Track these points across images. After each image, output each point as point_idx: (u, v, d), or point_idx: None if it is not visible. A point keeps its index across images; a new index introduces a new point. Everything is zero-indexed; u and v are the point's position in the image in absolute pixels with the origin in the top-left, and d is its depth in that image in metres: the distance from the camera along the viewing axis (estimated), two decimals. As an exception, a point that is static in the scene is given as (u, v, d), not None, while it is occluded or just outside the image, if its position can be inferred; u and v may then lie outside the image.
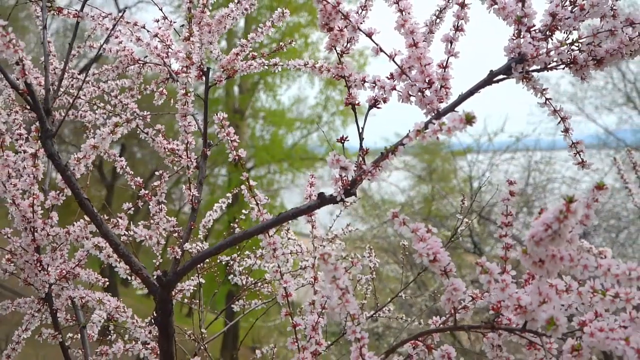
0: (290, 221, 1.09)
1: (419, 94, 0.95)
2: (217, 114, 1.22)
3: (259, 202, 1.17)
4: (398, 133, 9.34)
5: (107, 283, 1.68)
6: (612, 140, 9.90)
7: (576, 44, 0.91)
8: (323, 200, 0.99)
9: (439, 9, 1.08)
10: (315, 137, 12.88)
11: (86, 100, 1.83)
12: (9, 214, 1.36)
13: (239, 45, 1.70)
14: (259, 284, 2.26)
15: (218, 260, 2.25)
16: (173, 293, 1.69)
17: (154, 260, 1.48)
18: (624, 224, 7.32)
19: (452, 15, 0.96)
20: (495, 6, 0.94)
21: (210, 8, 1.62)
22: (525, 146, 8.72)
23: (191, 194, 1.51)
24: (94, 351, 1.56)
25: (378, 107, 1.00)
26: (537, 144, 8.79)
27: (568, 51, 0.90)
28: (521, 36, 0.92)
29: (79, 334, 1.62)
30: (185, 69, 1.34)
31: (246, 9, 1.63)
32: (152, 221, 1.52)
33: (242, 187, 1.22)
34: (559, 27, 0.92)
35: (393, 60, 0.97)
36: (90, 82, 1.80)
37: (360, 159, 0.96)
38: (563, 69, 0.93)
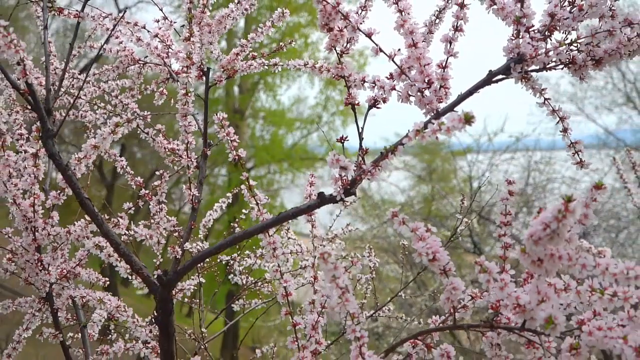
0: (290, 221, 1.09)
1: (419, 94, 0.95)
2: (217, 114, 1.22)
3: (259, 201, 1.17)
4: (398, 133, 9.36)
5: (108, 282, 1.68)
6: (611, 140, 9.91)
7: (575, 44, 0.91)
8: (323, 199, 0.99)
9: (438, 10, 1.08)
10: (315, 137, 12.89)
11: (87, 100, 1.84)
12: (10, 213, 1.36)
13: (239, 45, 1.70)
14: (259, 283, 2.27)
15: (218, 260, 2.25)
16: (173, 292, 1.70)
17: (155, 260, 1.49)
18: (623, 224, 7.31)
19: (451, 16, 0.96)
20: (494, 6, 0.94)
21: (211, 8, 1.62)
22: (525, 146, 8.72)
23: (191, 193, 1.51)
24: (95, 350, 1.56)
25: (378, 107, 1.00)
26: (537, 144, 8.80)
27: (567, 51, 0.91)
28: (520, 36, 0.92)
29: (80, 333, 1.62)
30: (185, 69, 1.34)
31: (246, 9, 1.64)
32: (152, 221, 1.52)
33: (242, 187, 1.22)
34: (558, 28, 0.92)
35: (392, 60, 0.97)
36: (90, 82, 1.81)
37: (360, 158, 0.96)
38: (562, 69, 0.93)
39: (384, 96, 0.99)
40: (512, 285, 0.81)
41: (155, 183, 1.52)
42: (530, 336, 0.84)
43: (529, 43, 0.91)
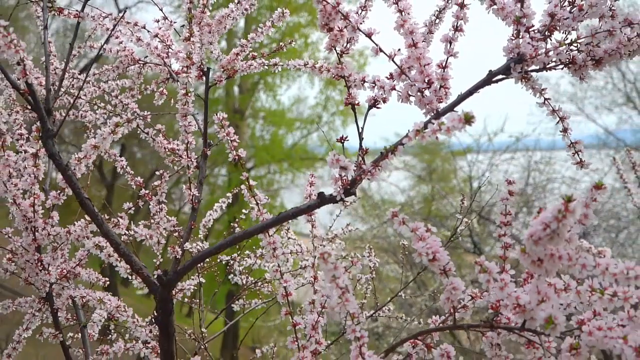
0: (290, 221, 1.09)
1: (419, 94, 0.95)
2: (217, 114, 1.22)
3: (259, 201, 1.17)
4: (398, 133, 9.36)
5: (108, 282, 1.68)
6: (611, 140, 9.91)
7: (575, 44, 0.91)
8: (323, 199, 0.99)
9: (438, 10, 1.08)
10: (315, 137, 12.89)
11: (87, 100, 1.84)
12: (10, 213, 1.36)
13: (239, 45, 1.70)
14: (259, 283, 2.27)
15: (218, 260, 2.25)
16: (173, 292, 1.70)
17: (155, 260, 1.49)
18: (623, 224, 7.31)
19: (451, 16, 0.96)
20: (494, 6, 0.94)
21: (211, 8, 1.62)
22: (525, 146, 8.72)
23: (191, 193, 1.51)
24: (95, 350, 1.56)
25: (378, 107, 1.00)
26: (537, 144, 8.80)
27: (567, 51, 0.91)
28: (520, 36, 0.92)
29: (80, 333, 1.62)
30: (185, 69, 1.34)
31: (246, 9, 1.64)
32: (152, 221, 1.52)
33: (242, 187, 1.22)
34: (558, 28, 0.92)
35: (392, 60, 0.97)
36: (90, 82, 1.81)
37: (360, 158, 0.96)
38: (562, 69, 0.93)
39: (384, 96, 0.99)
40: (512, 285, 0.81)
41: (155, 183, 1.52)
42: (530, 336, 0.84)
43: (529, 43, 0.91)
